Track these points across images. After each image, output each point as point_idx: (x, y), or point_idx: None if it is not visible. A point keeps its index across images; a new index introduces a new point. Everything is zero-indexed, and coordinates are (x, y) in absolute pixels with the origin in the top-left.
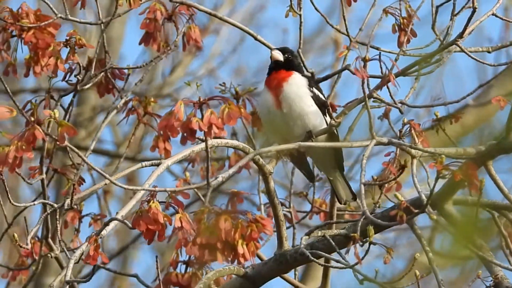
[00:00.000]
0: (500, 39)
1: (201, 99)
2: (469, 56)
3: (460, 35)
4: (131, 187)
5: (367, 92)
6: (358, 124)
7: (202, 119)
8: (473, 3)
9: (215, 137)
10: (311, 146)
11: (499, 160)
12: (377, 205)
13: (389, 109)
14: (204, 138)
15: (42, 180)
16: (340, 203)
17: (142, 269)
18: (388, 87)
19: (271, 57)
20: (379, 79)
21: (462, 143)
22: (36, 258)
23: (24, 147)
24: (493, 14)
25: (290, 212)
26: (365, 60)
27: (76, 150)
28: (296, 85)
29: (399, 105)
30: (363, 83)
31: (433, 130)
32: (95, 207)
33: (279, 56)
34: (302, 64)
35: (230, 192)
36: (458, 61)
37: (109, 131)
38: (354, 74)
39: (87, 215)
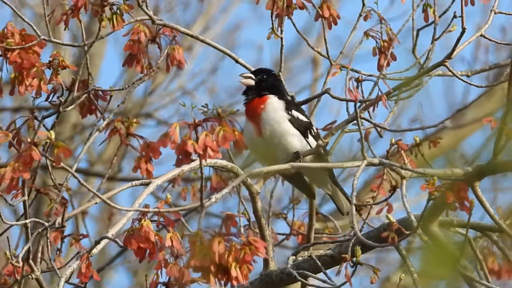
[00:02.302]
0: (473, 59)
1: (196, 121)
2: (457, 77)
3: (449, 56)
4: (124, 208)
5: (353, 113)
6: (337, 147)
7: (197, 141)
8: (462, 23)
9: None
10: (303, 167)
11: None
12: (363, 225)
13: (368, 132)
14: (199, 159)
15: (24, 202)
16: (343, 215)
17: None
18: (368, 111)
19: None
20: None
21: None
22: (18, 277)
23: (21, 168)
24: (481, 35)
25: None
26: (358, 81)
27: (72, 171)
28: (273, 110)
29: (386, 125)
30: (355, 104)
31: (411, 153)
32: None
33: (249, 81)
34: (282, 83)
35: (225, 214)
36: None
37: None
38: (334, 98)
39: (69, 235)
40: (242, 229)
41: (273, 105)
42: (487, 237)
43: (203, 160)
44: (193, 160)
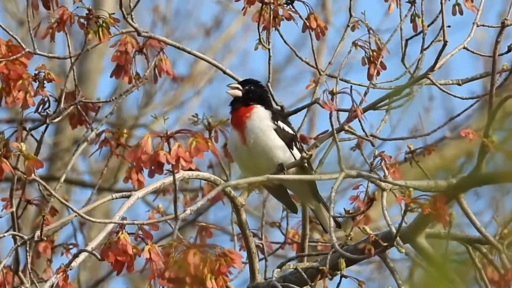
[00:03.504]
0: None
1: (168, 133)
2: (440, 89)
3: (431, 68)
4: (98, 220)
5: (335, 125)
6: (328, 157)
7: (169, 152)
8: (443, 36)
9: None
10: (279, 179)
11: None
12: (349, 238)
13: (362, 141)
14: (172, 170)
15: (12, 213)
16: (326, 232)
17: None
18: (359, 120)
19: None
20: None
21: (439, 176)
22: None
23: None
24: (464, 48)
25: (262, 243)
26: (332, 93)
27: (43, 183)
28: (258, 119)
29: (370, 138)
30: (330, 116)
31: (406, 163)
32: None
33: (236, 92)
34: (269, 95)
35: (199, 225)
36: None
37: (86, 162)
38: (323, 107)
39: (59, 245)
40: (235, 238)
41: (259, 114)
42: (476, 249)
43: (185, 172)
44: (163, 172)
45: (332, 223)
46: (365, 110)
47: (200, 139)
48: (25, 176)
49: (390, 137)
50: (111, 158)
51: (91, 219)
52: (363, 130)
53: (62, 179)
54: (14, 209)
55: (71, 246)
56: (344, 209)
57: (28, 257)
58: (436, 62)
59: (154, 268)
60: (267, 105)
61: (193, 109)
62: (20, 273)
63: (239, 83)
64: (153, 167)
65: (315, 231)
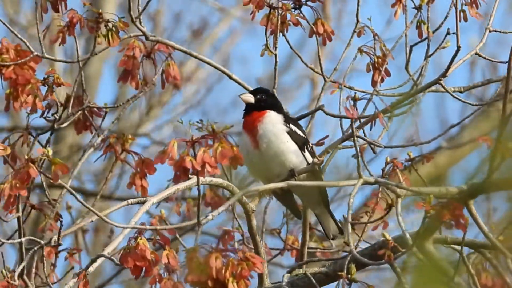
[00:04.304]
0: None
1: (194, 138)
2: (452, 95)
3: (444, 74)
4: (121, 225)
5: (343, 132)
6: (330, 165)
7: (195, 157)
8: (457, 41)
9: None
10: (299, 185)
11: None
12: (358, 243)
13: (363, 148)
14: (196, 175)
15: (18, 218)
16: (328, 238)
17: None
18: (363, 129)
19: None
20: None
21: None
22: None
23: (18, 185)
24: (476, 54)
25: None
26: (355, 99)
27: (71, 189)
28: (271, 123)
29: (379, 143)
30: (352, 123)
31: (405, 170)
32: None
33: (249, 98)
34: (279, 102)
35: (222, 230)
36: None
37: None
38: (328, 115)
39: (63, 250)
40: (236, 244)
41: (271, 118)
42: (481, 254)
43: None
44: (189, 178)
45: (350, 229)
46: (375, 117)
47: (225, 144)
48: (52, 181)
49: (391, 145)
50: (115, 164)
51: (115, 223)
52: (365, 138)
53: (68, 185)
54: (20, 213)
55: (74, 251)
56: (343, 216)
57: (44, 262)
58: (448, 68)
59: (156, 272)
60: (279, 110)
61: (193, 115)
62: (25, 277)
63: (250, 92)
64: (178, 173)
65: (313, 237)
